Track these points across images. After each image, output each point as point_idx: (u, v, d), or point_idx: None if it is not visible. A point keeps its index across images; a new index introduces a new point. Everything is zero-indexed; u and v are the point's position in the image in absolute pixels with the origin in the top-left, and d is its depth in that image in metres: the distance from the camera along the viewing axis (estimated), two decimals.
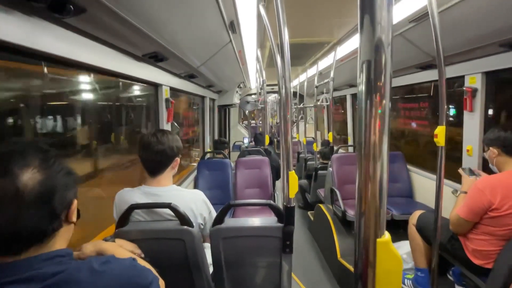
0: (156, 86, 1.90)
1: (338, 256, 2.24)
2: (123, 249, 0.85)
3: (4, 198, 0.48)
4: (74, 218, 0.59)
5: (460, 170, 1.67)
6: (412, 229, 1.78)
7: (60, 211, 0.55)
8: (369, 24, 0.38)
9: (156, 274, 0.71)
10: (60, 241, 0.57)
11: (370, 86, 0.38)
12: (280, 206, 1.19)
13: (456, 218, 1.43)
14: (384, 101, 0.38)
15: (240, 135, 6.05)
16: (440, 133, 1.32)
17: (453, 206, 1.51)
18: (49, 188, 0.52)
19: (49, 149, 0.57)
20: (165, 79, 1.94)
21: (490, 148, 1.44)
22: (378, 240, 0.36)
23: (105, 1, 0.78)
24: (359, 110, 0.40)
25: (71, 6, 0.75)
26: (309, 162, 4.01)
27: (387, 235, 0.38)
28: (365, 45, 0.39)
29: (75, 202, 0.59)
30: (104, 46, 1.16)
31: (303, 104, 5.15)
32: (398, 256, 0.37)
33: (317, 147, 3.72)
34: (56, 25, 0.87)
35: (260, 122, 5.75)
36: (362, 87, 0.39)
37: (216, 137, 4.36)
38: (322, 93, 4.24)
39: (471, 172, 1.61)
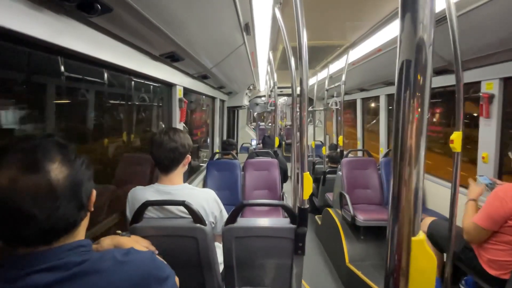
0: (170, 86, 1.93)
1: (347, 261, 2.22)
2: (139, 245, 0.87)
3: (40, 193, 0.49)
4: (92, 207, 0.61)
5: (477, 179, 1.63)
6: None
7: (86, 201, 0.57)
8: (411, 22, 0.37)
9: (171, 269, 0.73)
10: (82, 230, 0.60)
11: (409, 86, 0.37)
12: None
13: (472, 227, 1.38)
14: (423, 103, 0.37)
15: (248, 136, 6.06)
16: (456, 139, 1.30)
17: (464, 215, 1.47)
18: (77, 181, 0.54)
19: (67, 143, 0.58)
20: (179, 79, 1.97)
21: None
22: (413, 238, 0.36)
23: (131, 1, 0.80)
24: (396, 111, 0.39)
25: (99, 6, 0.77)
26: (317, 166, 3.99)
27: (421, 235, 0.38)
28: (405, 43, 0.38)
29: (94, 192, 0.61)
30: (124, 45, 1.18)
31: (312, 107, 5.12)
32: (432, 254, 0.37)
33: (326, 151, 3.70)
34: (82, 23, 0.89)
35: (270, 124, 5.76)
36: (400, 87, 0.38)
37: (224, 138, 4.38)
38: (332, 96, 4.22)
39: (490, 185, 1.57)
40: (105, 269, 0.54)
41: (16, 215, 0.48)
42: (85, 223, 0.61)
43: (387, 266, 0.38)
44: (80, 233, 0.59)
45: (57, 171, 0.51)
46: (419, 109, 0.38)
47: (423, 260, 0.36)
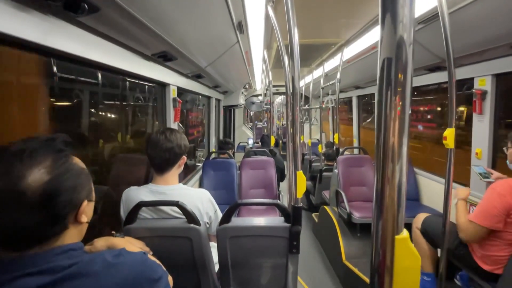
0: (163, 86, 1.92)
1: (343, 258, 2.23)
2: (133, 245, 0.86)
3: (6, 198, 0.47)
4: (84, 219, 0.58)
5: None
6: (416, 233, 1.76)
7: (65, 213, 0.54)
8: (391, 22, 0.37)
9: (165, 270, 0.72)
10: (71, 238, 0.57)
11: (390, 84, 0.37)
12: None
13: (469, 225, 1.36)
14: (404, 101, 0.37)
15: (244, 135, 6.06)
16: (449, 136, 1.31)
17: (457, 214, 1.46)
18: (53, 191, 0.51)
19: (63, 148, 0.56)
20: (173, 79, 1.96)
21: None
22: (396, 237, 0.36)
23: (118, 0, 0.79)
24: (378, 110, 0.39)
25: (86, 5, 0.76)
26: (313, 164, 4.00)
27: (405, 232, 0.38)
28: (386, 42, 0.38)
29: (85, 203, 0.58)
30: (115, 45, 1.17)
31: (308, 106, 5.14)
32: (416, 253, 0.37)
33: (322, 148, 3.71)
34: (70, 24, 0.88)
35: (266, 123, 5.76)
36: (381, 86, 0.38)
37: (221, 138, 4.38)
38: (328, 94, 4.23)
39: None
40: (95, 272, 0.54)
41: None
42: (74, 232, 0.58)
43: (372, 264, 0.38)
44: (68, 239, 0.56)
45: (33, 177, 0.49)
46: (401, 107, 0.38)
47: (407, 259, 0.36)
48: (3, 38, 0.70)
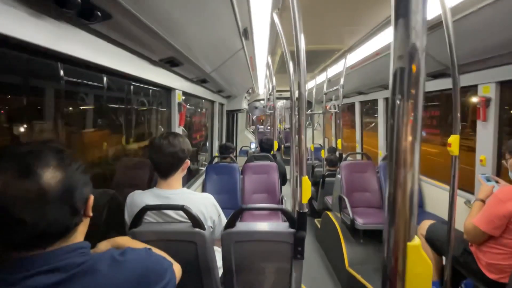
0: (169, 90, 1.94)
1: (346, 265, 2.21)
2: (137, 242, 0.88)
3: (30, 198, 0.49)
4: (91, 213, 0.61)
5: (479, 177, 1.63)
6: (421, 240, 1.74)
7: (80, 206, 0.57)
8: (403, 29, 0.38)
9: (170, 259, 0.77)
10: (80, 234, 0.60)
11: (403, 92, 0.38)
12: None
13: (472, 228, 1.38)
14: (416, 108, 0.38)
15: (247, 140, 6.07)
16: (454, 142, 1.30)
17: (468, 214, 1.47)
18: (70, 186, 0.54)
19: (64, 149, 0.59)
20: (178, 84, 1.98)
21: None
22: (408, 243, 0.36)
23: (130, 8, 0.82)
24: (391, 116, 0.40)
25: (99, 13, 0.78)
26: (316, 169, 3.99)
27: (417, 240, 0.38)
28: (399, 50, 0.39)
29: (91, 197, 0.61)
30: (124, 51, 1.20)
31: (311, 111, 5.14)
32: (428, 260, 0.37)
33: (325, 154, 3.71)
34: (82, 30, 0.90)
35: (269, 128, 5.76)
36: (394, 93, 0.39)
37: (223, 142, 4.39)
38: (331, 99, 4.24)
39: (489, 180, 1.57)
40: (103, 269, 0.56)
41: (6, 219, 0.49)
42: (82, 228, 0.61)
43: (384, 270, 0.39)
44: (77, 238, 0.59)
45: (49, 176, 0.52)
46: (413, 114, 0.38)
47: (419, 266, 0.36)
48: (17, 44, 0.72)
